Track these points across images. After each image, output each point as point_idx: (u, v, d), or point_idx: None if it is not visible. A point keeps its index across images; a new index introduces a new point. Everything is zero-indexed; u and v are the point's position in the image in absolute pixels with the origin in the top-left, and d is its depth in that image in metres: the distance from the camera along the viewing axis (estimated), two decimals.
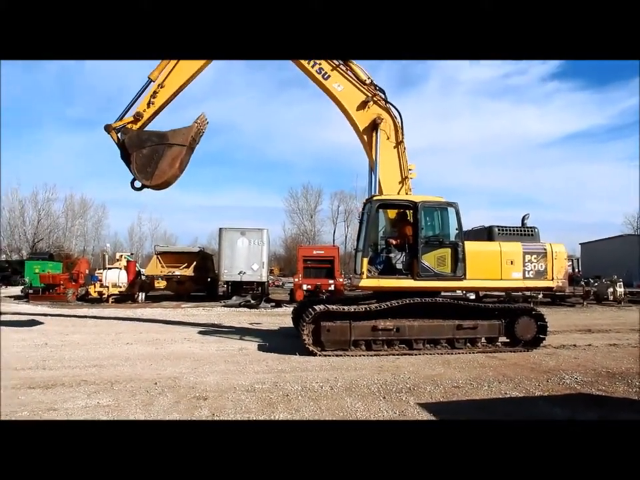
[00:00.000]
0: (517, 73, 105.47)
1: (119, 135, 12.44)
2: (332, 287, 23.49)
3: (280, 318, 18.99)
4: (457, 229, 11.34)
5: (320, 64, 12.86)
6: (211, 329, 15.51)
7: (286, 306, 23.69)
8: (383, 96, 13.00)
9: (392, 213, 12.41)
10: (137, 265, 31.86)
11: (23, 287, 30.80)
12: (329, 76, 12.88)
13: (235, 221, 77.54)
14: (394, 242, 11.48)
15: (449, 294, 12.18)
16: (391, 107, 12.96)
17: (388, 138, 12.79)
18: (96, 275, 29.14)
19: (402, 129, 12.89)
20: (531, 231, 12.10)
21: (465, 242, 11.33)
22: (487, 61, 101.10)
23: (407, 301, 10.84)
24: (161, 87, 12.66)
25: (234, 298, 25.10)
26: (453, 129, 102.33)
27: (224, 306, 23.87)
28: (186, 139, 12.25)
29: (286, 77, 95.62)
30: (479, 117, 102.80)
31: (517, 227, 12.12)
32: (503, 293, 22.40)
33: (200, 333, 14.60)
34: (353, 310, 10.75)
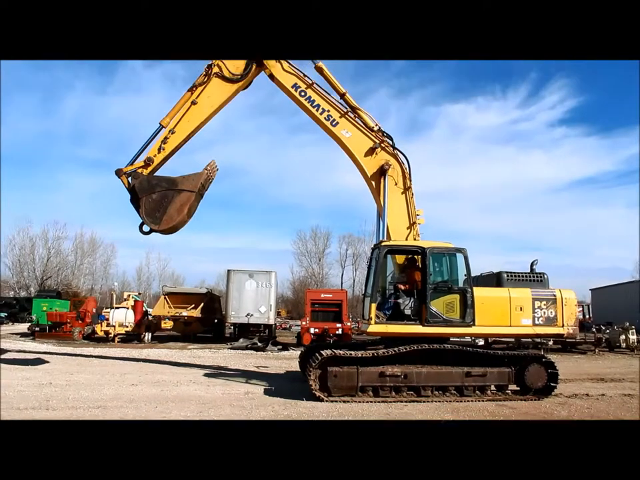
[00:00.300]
0: (524, 119, 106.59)
1: (129, 179, 12.63)
2: (339, 331, 23.32)
3: (287, 361, 18.81)
4: (465, 275, 11.31)
5: (328, 111, 13.14)
6: (217, 372, 15.37)
7: (293, 349, 23.50)
8: (390, 142, 13.18)
9: (400, 259, 12.41)
10: (144, 304, 31.84)
11: (29, 324, 30.78)
12: (337, 123, 13.11)
13: (243, 263, 77.81)
14: (402, 287, 11.45)
15: (458, 340, 12.06)
16: (398, 153, 13.12)
17: (396, 184, 12.89)
18: (103, 314, 29.13)
19: (410, 174, 13.00)
20: (540, 276, 12.03)
21: (474, 288, 11.26)
22: (494, 108, 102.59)
23: (415, 347, 10.73)
24: (172, 133, 12.93)
25: (241, 340, 24.95)
26: (460, 174, 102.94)
27: (230, 348, 23.71)
28: (195, 185, 12.40)
29: (296, 122, 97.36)
30: (486, 163, 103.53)
31: (525, 273, 12.05)
32: (512, 340, 22.15)
33: (206, 375, 14.47)
34: (360, 355, 10.64)
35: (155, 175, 12.88)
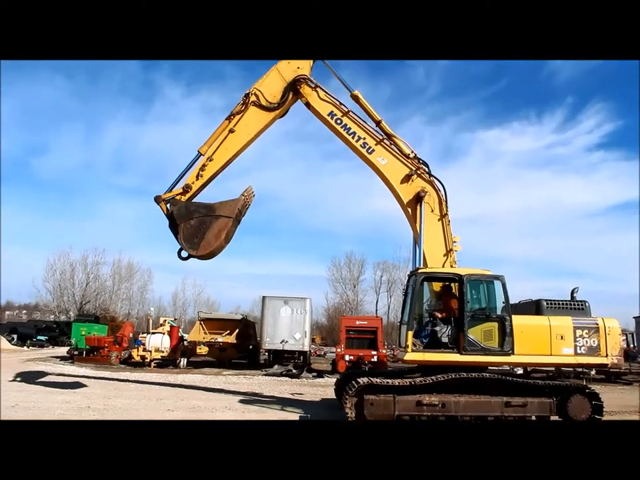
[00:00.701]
0: (560, 144, 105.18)
1: (168, 205, 12.89)
2: (375, 359, 23.09)
3: (322, 389, 18.69)
4: (503, 302, 11.13)
5: (364, 138, 13.23)
6: (252, 398, 15.37)
7: (328, 376, 23.33)
8: (426, 169, 13.17)
9: (437, 286, 12.29)
10: (180, 330, 32.13)
11: (69, 347, 31.33)
12: (373, 150, 13.19)
13: (278, 289, 77.84)
14: (439, 315, 11.33)
15: (496, 369, 11.82)
16: (434, 179, 13.09)
17: (432, 210, 12.83)
18: (139, 339, 29.43)
19: (446, 201, 12.94)
20: (581, 304, 11.73)
21: (513, 316, 11.06)
22: (529, 133, 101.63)
23: (453, 376, 10.56)
24: (210, 161, 13.18)
25: (275, 367, 24.91)
26: (495, 199, 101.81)
27: (265, 374, 23.67)
28: (232, 211, 12.57)
29: (330, 148, 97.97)
30: (522, 188, 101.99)
31: (566, 301, 11.79)
32: (553, 369, 21.58)
33: (241, 401, 14.48)
34: (397, 384, 10.52)
35: (192, 201, 13.11)
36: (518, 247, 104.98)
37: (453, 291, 11.66)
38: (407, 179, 13.04)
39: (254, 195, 13.42)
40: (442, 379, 10.53)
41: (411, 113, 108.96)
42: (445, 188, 13.06)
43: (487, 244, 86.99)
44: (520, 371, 16.27)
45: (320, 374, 24.58)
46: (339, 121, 13.37)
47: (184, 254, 12.69)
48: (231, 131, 13.27)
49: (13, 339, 42.27)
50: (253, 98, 13.41)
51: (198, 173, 13.16)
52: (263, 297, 26.41)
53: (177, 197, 13.00)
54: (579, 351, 11.12)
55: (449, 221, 12.87)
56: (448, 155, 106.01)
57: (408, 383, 10.52)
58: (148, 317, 46.89)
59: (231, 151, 13.37)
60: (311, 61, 13.68)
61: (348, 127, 13.33)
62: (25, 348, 40.99)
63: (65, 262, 66.72)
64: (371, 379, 10.66)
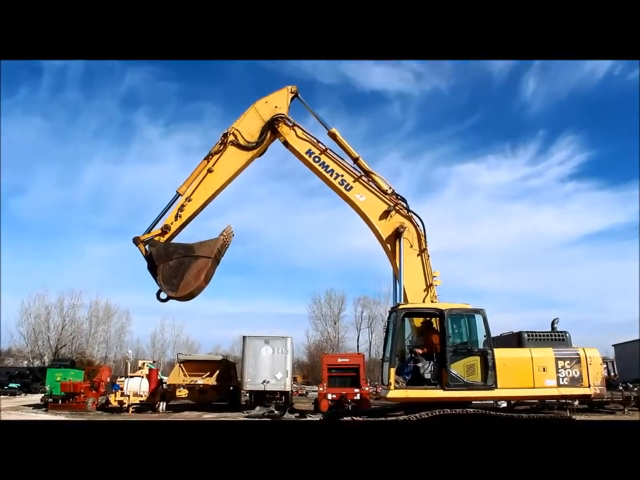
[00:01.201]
0: (535, 176, 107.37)
1: (146, 247, 12.76)
2: (358, 397, 22.81)
3: None
4: (485, 336, 11.13)
5: (342, 176, 13.33)
6: None
7: (310, 416, 22.89)
8: (404, 205, 13.26)
9: (418, 321, 12.25)
10: (159, 372, 31.49)
11: (43, 395, 30.42)
12: (351, 187, 13.27)
13: (258, 328, 76.98)
14: (420, 351, 11.25)
15: (480, 403, 11.72)
16: (413, 215, 13.18)
17: (411, 246, 12.88)
18: (117, 383, 28.73)
19: (425, 236, 13.02)
20: (562, 335, 11.78)
21: (495, 349, 11.03)
22: (504, 166, 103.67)
23: (437, 413, 10.43)
24: (189, 201, 13.13)
25: (257, 408, 24.40)
26: (473, 232, 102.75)
27: (247, 416, 23.17)
28: (211, 251, 12.49)
29: (308, 186, 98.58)
30: (499, 220, 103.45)
31: (547, 332, 11.84)
32: (536, 401, 21.51)
33: None
34: (380, 421, 10.35)
35: (171, 242, 13.01)
36: (497, 279, 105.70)
37: (434, 326, 11.62)
38: (385, 215, 13.11)
39: (233, 235, 13.39)
40: (425, 416, 10.39)
41: (388, 148, 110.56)
42: (423, 223, 13.19)
43: (466, 276, 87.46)
44: (504, 404, 16.18)
45: (302, 414, 24.11)
46: (317, 159, 13.46)
47: (163, 295, 12.53)
48: (210, 171, 13.27)
49: None
50: (231, 137, 13.47)
51: (177, 214, 13.09)
52: (244, 336, 26.09)
53: (156, 238, 12.88)
54: (561, 382, 11.11)
55: (429, 256, 12.93)
56: (425, 189, 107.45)
57: (391, 421, 10.36)
58: (126, 360, 45.93)
59: (210, 190, 13.36)
60: (289, 99, 13.85)
61: (326, 164, 13.43)
62: None
63: (40, 305, 65.39)
64: (354, 418, 10.49)
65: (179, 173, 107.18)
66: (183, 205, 13.12)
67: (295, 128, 13.60)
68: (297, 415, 23.85)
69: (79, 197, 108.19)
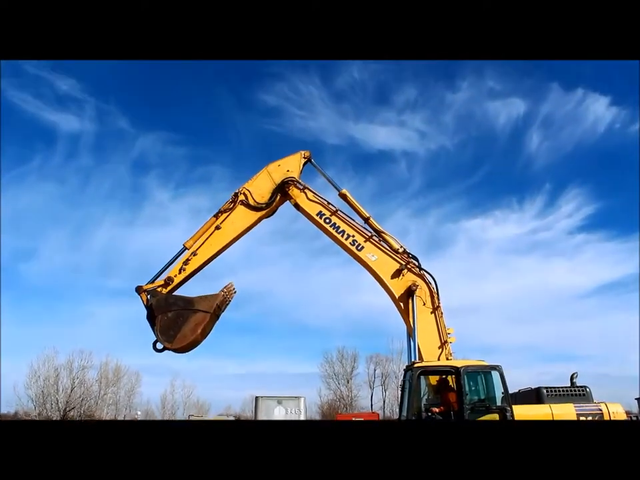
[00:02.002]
0: (543, 229, 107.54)
1: (148, 297, 12.79)
2: None
3: None
4: (502, 393, 10.88)
5: (353, 236, 13.42)
6: None
7: None
8: (416, 263, 13.27)
9: (433, 379, 12.03)
10: None
11: None
12: (363, 247, 13.32)
13: (269, 388, 75.99)
14: (437, 410, 11.01)
15: None
16: (425, 273, 13.16)
17: (424, 304, 12.79)
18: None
19: (437, 294, 12.94)
20: (582, 390, 11.45)
21: (513, 406, 10.76)
22: (512, 220, 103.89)
23: None
24: (194, 255, 13.21)
25: None
26: (484, 287, 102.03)
27: None
28: (211, 306, 12.45)
29: (318, 245, 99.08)
30: (509, 274, 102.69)
31: (566, 387, 11.52)
32: None
33: None
34: None
35: (173, 294, 13.04)
36: (511, 334, 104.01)
37: (449, 384, 11.42)
38: (397, 273, 13.08)
39: (235, 292, 13.35)
40: None
41: (395, 206, 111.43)
42: (435, 281, 13.12)
43: (478, 332, 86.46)
44: None
45: None
46: (327, 220, 13.57)
47: (159, 346, 12.47)
48: (217, 228, 13.39)
49: None
50: (241, 197, 13.65)
51: (181, 267, 13.17)
52: (256, 397, 25.74)
53: (158, 289, 12.92)
54: None
55: (442, 313, 12.81)
56: (434, 246, 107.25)
57: None
58: None
59: (216, 247, 13.46)
60: (301, 164, 14.10)
61: (337, 225, 13.52)
62: None
63: (50, 367, 64.91)
64: None
65: (188, 235, 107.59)
66: (187, 259, 13.19)
67: (306, 191, 13.76)
68: None
69: (89, 259, 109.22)
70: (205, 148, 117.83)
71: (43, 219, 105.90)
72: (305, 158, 14.20)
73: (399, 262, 13.16)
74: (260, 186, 13.84)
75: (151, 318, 12.62)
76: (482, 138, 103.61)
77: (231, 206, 13.61)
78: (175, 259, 13.35)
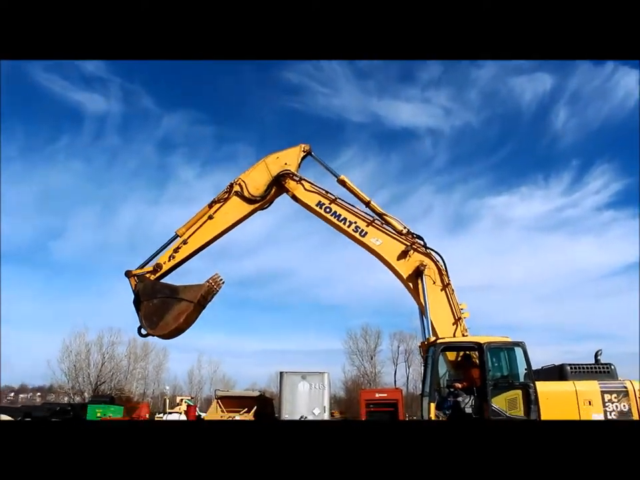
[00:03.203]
0: (570, 206, 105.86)
1: (137, 281, 13.04)
2: None
3: None
4: (525, 369, 10.89)
5: (355, 222, 13.36)
6: None
7: None
8: (421, 242, 13.22)
9: (451, 355, 12.05)
10: (197, 409, 31.56)
11: None
12: (366, 232, 13.26)
13: (294, 365, 76.58)
14: (459, 385, 11.07)
15: None
16: (431, 252, 13.13)
17: (434, 282, 12.78)
18: (156, 419, 28.92)
19: (446, 271, 12.92)
20: (607, 367, 11.39)
21: (537, 382, 10.78)
22: (538, 197, 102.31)
23: None
24: (184, 243, 13.32)
25: None
26: (509, 265, 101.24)
27: None
28: (195, 297, 12.63)
29: None
30: (535, 251, 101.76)
31: (590, 364, 11.47)
32: None
33: None
34: None
35: (160, 281, 13.22)
36: (535, 312, 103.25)
37: (472, 360, 11.46)
38: (403, 255, 13.06)
39: (223, 282, 13.37)
40: None
41: (420, 183, 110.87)
42: (443, 258, 13.12)
43: (503, 310, 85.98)
44: None
45: None
46: (328, 209, 13.49)
47: (143, 331, 12.81)
48: (210, 217, 13.42)
49: None
50: (236, 188, 13.62)
51: (171, 254, 13.31)
52: (280, 372, 26.00)
53: (147, 275, 13.12)
54: (609, 417, 10.74)
55: (453, 290, 12.82)
56: (458, 223, 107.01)
57: None
58: (164, 396, 46.27)
59: (207, 236, 13.53)
60: (300, 157, 13.97)
61: (338, 213, 13.44)
62: None
63: (81, 343, 66.37)
64: None
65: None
66: (178, 247, 13.31)
67: (303, 182, 13.65)
68: None
69: (115, 237, 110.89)
70: (229, 126, 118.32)
71: (71, 198, 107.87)
72: (304, 151, 14.05)
73: (403, 243, 13.12)
74: (256, 178, 13.77)
75: (137, 303, 12.88)
76: (507, 114, 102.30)
77: (226, 196, 13.58)
78: (167, 245, 13.47)
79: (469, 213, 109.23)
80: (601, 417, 10.70)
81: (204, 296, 12.91)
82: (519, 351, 11.04)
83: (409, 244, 13.08)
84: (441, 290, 12.81)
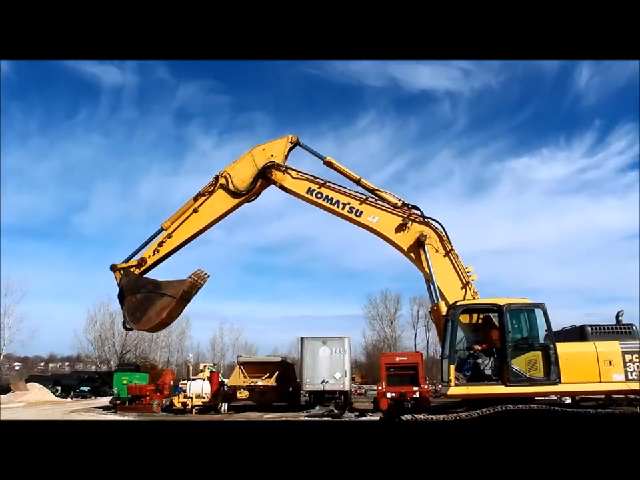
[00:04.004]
0: (592, 167, 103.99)
1: (122, 275, 13.16)
2: (417, 395, 22.66)
3: None
4: (546, 331, 10.87)
5: (349, 203, 13.14)
6: None
7: (370, 415, 22.92)
8: (419, 213, 13.09)
9: (465, 318, 12.01)
10: (220, 375, 32.13)
11: (111, 397, 31.57)
12: (361, 212, 13.08)
13: (314, 331, 77.46)
14: (479, 348, 11.11)
15: (543, 399, 11.49)
16: (430, 220, 13.02)
17: (437, 250, 12.70)
18: (180, 386, 29.51)
19: (447, 237, 12.83)
20: (628, 328, 11.31)
21: (557, 343, 10.77)
22: (560, 159, 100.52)
23: (499, 409, 10.28)
24: (169, 237, 13.26)
25: (317, 408, 24.63)
26: (529, 228, 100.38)
27: (307, 416, 23.39)
28: (177, 292, 12.70)
29: (360, 190, 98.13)
30: (556, 214, 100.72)
31: (612, 325, 11.40)
32: (602, 397, 20.79)
33: None
34: (442, 419, 10.29)
35: (144, 276, 13.25)
36: (555, 275, 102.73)
37: (492, 322, 11.46)
38: (401, 228, 12.92)
39: (207, 276, 13.37)
40: (488, 412, 10.25)
41: (439, 147, 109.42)
42: (442, 226, 12.99)
43: (524, 273, 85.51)
44: (568, 400, 15.79)
45: (362, 413, 24.17)
46: (319, 195, 13.26)
47: (128, 325, 13.03)
48: (195, 211, 13.27)
49: (57, 390, 42.96)
50: (222, 180, 13.38)
51: (155, 248, 13.27)
52: (302, 338, 26.34)
53: (132, 269, 13.15)
54: (630, 377, 10.72)
55: (457, 255, 12.74)
56: (478, 187, 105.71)
57: (453, 418, 10.28)
58: (187, 363, 47.15)
59: (191, 230, 13.41)
60: (287, 148, 13.65)
61: (329, 197, 13.22)
62: (69, 399, 41.50)
63: (105, 313, 67.59)
64: (415, 415, 10.46)
65: None
66: (162, 241, 13.26)
67: (289, 171, 13.38)
68: (357, 413, 23.93)
69: (136, 209, 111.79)
70: (246, 94, 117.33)
71: (92, 171, 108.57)
72: (291, 143, 13.71)
73: (400, 216, 12.97)
74: (241, 170, 13.51)
75: (121, 297, 13.01)
76: (528, 75, 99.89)
77: (211, 189, 13.38)
78: (152, 239, 13.40)
79: (489, 177, 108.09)
80: (621, 377, 10.70)
81: (186, 291, 12.97)
82: (539, 313, 11.01)
83: (405, 216, 12.94)
84: (444, 256, 12.73)
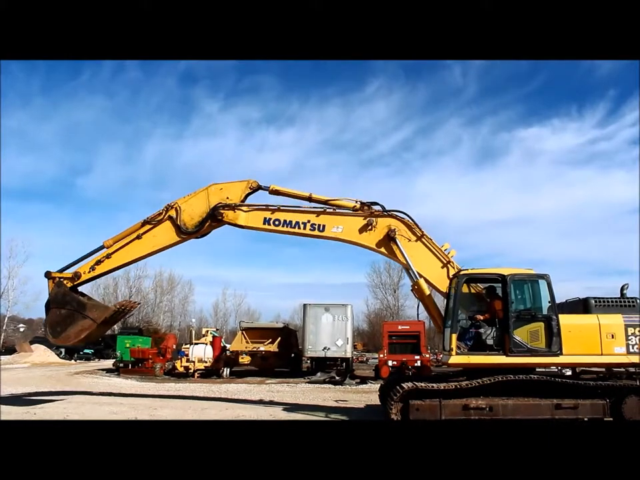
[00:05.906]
0: (603, 139, 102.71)
1: (55, 284, 13.12)
2: (418, 363, 22.82)
3: (366, 395, 18.53)
4: (549, 302, 10.84)
5: (308, 221, 12.92)
6: (296, 406, 15.32)
7: (371, 382, 23.15)
8: (379, 208, 12.92)
9: (466, 288, 11.93)
10: (222, 340, 32.39)
11: (114, 360, 31.96)
12: (324, 225, 12.89)
13: (317, 298, 78.07)
14: (481, 317, 11.11)
15: (544, 370, 11.52)
16: (393, 212, 12.89)
17: (409, 240, 12.61)
18: (182, 350, 29.79)
19: (416, 224, 12.71)
20: (632, 301, 11.28)
21: (560, 315, 10.75)
22: (570, 129, 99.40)
23: (500, 378, 10.32)
24: (108, 258, 13.15)
25: (318, 374, 24.86)
26: (537, 199, 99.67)
27: (308, 382, 23.63)
28: (99, 317, 12.81)
29: (368, 155, 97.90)
30: (565, 186, 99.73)
31: (615, 298, 11.36)
32: (603, 369, 20.90)
33: (285, 410, 14.45)
34: (442, 388, 10.34)
35: (75, 291, 13.28)
36: (561, 247, 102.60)
37: (495, 292, 11.44)
38: (366, 227, 12.74)
39: (137, 305, 13.61)
40: (488, 381, 10.30)
41: (448, 115, 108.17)
42: (407, 214, 12.87)
43: (530, 245, 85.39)
44: (569, 372, 15.87)
45: (363, 380, 24.40)
46: (276, 222, 13.00)
47: (46, 337, 13.28)
48: (139, 237, 13.08)
49: (61, 352, 43.50)
50: (172, 212, 13.12)
51: (92, 265, 13.20)
52: (304, 304, 26.43)
53: (65, 281, 13.10)
54: (631, 350, 10.73)
55: (430, 238, 12.66)
56: (487, 156, 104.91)
57: (454, 387, 10.33)
58: (190, 328, 47.49)
59: (131, 256, 13.33)
60: (244, 193, 13.38)
61: (287, 220, 13.00)
62: (73, 361, 42.12)
63: (108, 276, 68.00)
64: (416, 383, 10.51)
65: (238, 147, 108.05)
66: (100, 260, 13.15)
67: (239, 208, 13.04)
68: (358, 380, 24.15)
69: (141, 172, 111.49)
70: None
71: (96, 134, 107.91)
72: (251, 188, 13.40)
73: (362, 216, 12.82)
74: (193, 205, 13.21)
75: (47, 308, 13.09)
76: None
77: (159, 218, 13.12)
78: (93, 253, 13.30)
79: (498, 146, 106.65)
80: (623, 350, 10.71)
81: (107, 318, 13.10)
82: (542, 284, 10.98)
83: (367, 215, 12.79)
84: (416, 241, 12.63)
